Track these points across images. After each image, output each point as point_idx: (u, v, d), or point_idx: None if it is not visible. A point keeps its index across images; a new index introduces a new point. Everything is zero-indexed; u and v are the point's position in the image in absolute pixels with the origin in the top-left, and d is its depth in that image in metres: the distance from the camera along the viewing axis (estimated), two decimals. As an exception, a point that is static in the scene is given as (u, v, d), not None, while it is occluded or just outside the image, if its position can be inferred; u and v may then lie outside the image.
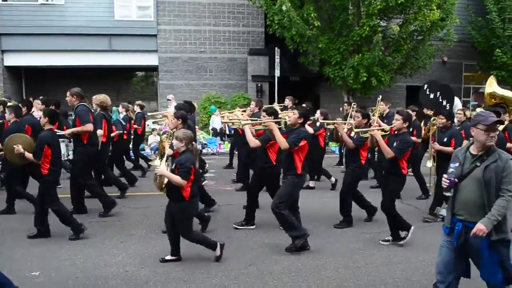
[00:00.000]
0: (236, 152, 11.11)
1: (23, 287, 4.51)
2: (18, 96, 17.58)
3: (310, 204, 7.89)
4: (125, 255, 5.43)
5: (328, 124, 8.17)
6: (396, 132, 5.83)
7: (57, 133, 7.10)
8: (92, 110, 7.34)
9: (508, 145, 7.06)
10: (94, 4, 17.60)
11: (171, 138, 6.08)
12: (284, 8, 14.11)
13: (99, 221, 6.92)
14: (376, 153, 9.35)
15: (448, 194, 3.60)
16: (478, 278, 3.64)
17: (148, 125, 12.50)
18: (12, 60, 17.84)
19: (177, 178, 4.86)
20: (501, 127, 7.13)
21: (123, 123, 9.71)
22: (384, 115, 9.53)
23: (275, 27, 15.39)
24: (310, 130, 8.78)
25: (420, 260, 5.40)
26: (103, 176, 8.45)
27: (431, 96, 8.02)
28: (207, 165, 10.96)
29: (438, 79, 18.53)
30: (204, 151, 15.65)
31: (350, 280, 4.81)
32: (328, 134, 11.18)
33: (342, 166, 10.62)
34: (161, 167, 5.23)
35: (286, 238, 5.90)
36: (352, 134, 6.69)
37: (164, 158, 5.60)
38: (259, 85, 18.49)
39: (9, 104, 8.65)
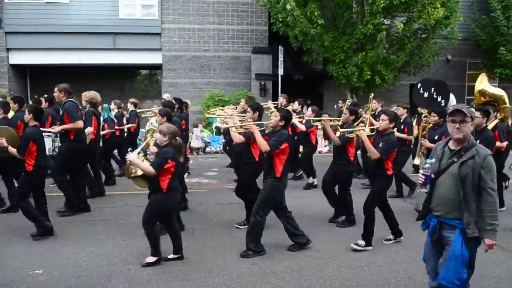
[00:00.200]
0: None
1: (26, 285, 4.56)
2: (23, 94, 17.68)
3: (311, 203, 7.91)
4: (127, 254, 5.46)
5: (314, 121, 8.14)
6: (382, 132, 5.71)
7: (46, 130, 7.19)
8: (80, 107, 7.27)
9: (498, 144, 7.01)
10: (98, 3, 17.67)
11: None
12: (288, 7, 14.09)
13: (102, 219, 6.95)
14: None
15: (424, 190, 3.53)
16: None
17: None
18: (17, 58, 17.93)
19: (145, 165, 4.93)
20: (490, 126, 7.10)
21: (115, 120, 9.66)
22: (376, 114, 9.56)
23: (279, 25, 15.38)
24: (302, 127, 8.81)
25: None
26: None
27: (425, 94, 7.96)
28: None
29: (442, 78, 18.48)
30: (208, 149, 15.70)
31: (352, 280, 4.81)
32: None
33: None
34: (132, 154, 5.25)
35: (286, 238, 5.91)
36: (338, 134, 6.62)
37: (138, 149, 5.57)
38: (262, 83, 18.50)
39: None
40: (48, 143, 7.62)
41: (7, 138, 6.03)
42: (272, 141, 5.38)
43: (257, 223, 5.42)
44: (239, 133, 6.24)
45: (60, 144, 7.46)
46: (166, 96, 11.96)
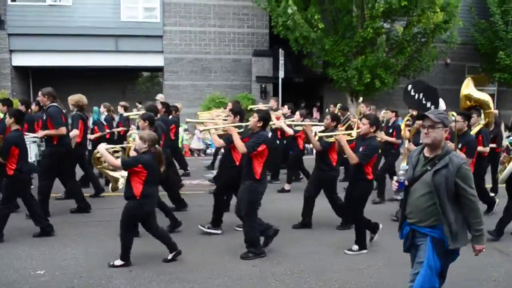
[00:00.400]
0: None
1: (28, 286, 4.62)
2: (26, 96, 17.76)
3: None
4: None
5: (296, 126, 8.14)
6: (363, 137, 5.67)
7: (31, 134, 7.23)
8: (64, 111, 7.26)
9: (482, 149, 6.99)
10: (100, 5, 17.73)
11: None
12: (289, 11, 14.16)
13: (103, 220, 7.00)
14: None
15: (398, 197, 3.60)
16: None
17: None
18: (20, 60, 17.99)
19: (112, 158, 5.05)
20: (474, 130, 7.08)
21: (105, 123, 9.63)
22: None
23: (280, 28, 15.46)
24: (290, 131, 8.84)
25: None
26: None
27: (416, 96, 7.91)
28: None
29: (441, 81, 18.60)
30: (208, 151, 15.75)
31: (352, 282, 4.85)
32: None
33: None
34: (103, 145, 5.34)
35: (289, 239, 5.98)
36: (316, 138, 6.58)
37: (109, 146, 5.65)
38: (263, 86, 18.56)
39: None
40: (34, 149, 7.67)
41: None
42: (249, 142, 5.34)
43: (250, 228, 5.46)
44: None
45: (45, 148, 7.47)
46: (159, 97, 12.00)
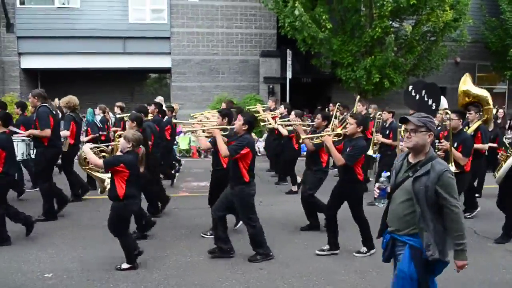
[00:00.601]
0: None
1: (36, 289, 4.62)
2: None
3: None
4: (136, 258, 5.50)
5: (287, 125, 8.03)
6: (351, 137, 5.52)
7: (19, 133, 7.25)
8: (54, 112, 7.24)
9: (480, 146, 6.85)
10: (108, 8, 17.83)
11: None
12: (296, 12, 14.10)
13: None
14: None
15: (379, 205, 3.38)
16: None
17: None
18: (28, 62, 18.14)
19: (95, 157, 5.06)
20: (473, 127, 6.90)
21: (99, 125, 9.60)
22: None
23: (287, 29, 15.41)
24: (284, 132, 8.78)
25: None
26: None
27: (417, 97, 7.80)
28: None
29: (451, 80, 18.42)
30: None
31: (361, 285, 4.80)
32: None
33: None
34: (88, 145, 5.38)
35: (296, 241, 5.92)
36: (300, 140, 6.49)
37: (94, 145, 5.66)
38: (271, 86, 18.53)
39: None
40: (21, 147, 7.70)
41: None
42: (232, 146, 5.28)
43: (254, 231, 5.42)
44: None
45: (34, 148, 7.50)
46: (158, 99, 12.00)
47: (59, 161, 8.14)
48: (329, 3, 15.24)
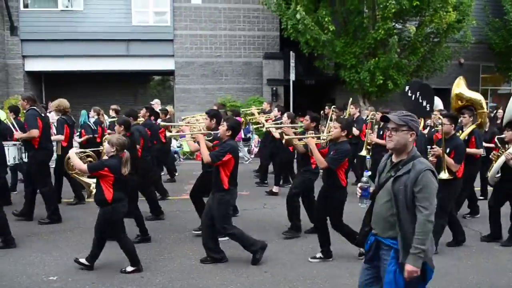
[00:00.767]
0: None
1: (41, 292, 4.63)
2: (38, 100, 17.86)
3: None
4: (141, 261, 5.46)
5: (277, 128, 7.91)
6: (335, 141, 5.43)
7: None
8: (43, 115, 7.27)
9: (475, 151, 6.74)
10: (112, 10, 17.86)
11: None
12: (298, 16, 14.11)
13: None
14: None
15: (362, 205, 3.29)
16: None
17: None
18: (32, 65, 18.18)
19: (78, 162, 5.06)
20: (464, 134, 6.78)
21: (93, 127, 9.58)
22: (354, 119, 9.49)
23: (290, 31, 15.41)
24: (277, 134, 8.72)
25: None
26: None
27: (413, 97, 7.74)
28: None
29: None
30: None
31: (365, 288, 4.78)
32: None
33: None
34: (73, 149, 5.43)
35: (301, 245, 5.91)
36: (283, 141, 6.42)
37: (80, 150, 5.72)
38: (274, 88, 18.51)
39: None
40: (12, 152, 7.75)
41: None
42: (214, 152, 5.26)
43: (234, 236, 5.40)
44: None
45: (25, 152, 7.52)
46: (155, 102, 12.01)
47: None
48: (331, 5, 15.23)
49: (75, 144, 9.07)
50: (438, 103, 8.54)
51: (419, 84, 8.27)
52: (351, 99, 7.63)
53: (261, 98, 18.10)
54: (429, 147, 6.06)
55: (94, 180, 5.23)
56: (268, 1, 16.36)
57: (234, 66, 18.93)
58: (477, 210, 7.75)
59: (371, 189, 3.26)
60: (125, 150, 5.10)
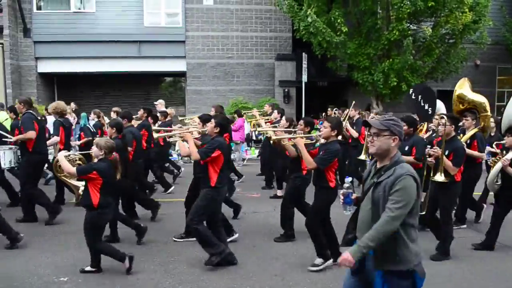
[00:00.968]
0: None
1: (51, 293, 4.60)
2: (51, 102, 17.99)
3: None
4: (150, 263, 5.45)
5: (268, 131, 7.77)
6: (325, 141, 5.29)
7: (5, 135, 7.28)
8: (39, 118, 7.24)
9: (477, 154, 6.53)
10: (124, 12, 17.97)
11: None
12: (309, 19, 14.03)
13: (122, 226, 6.95)
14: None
15: (347, 212, 3.17)
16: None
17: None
18: (45, 67, 18.37)
19: (66, 165, 5.00)
20: (465, 137, 6.59)
21: (92, 129, 9.56)
22: (353, 121, 9.38)
23: (302, 32, 15.32)
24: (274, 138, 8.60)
25: (438, 269, 5.22)
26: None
27: (416, 101, 7.56)
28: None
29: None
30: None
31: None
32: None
33: None
34: (62, 152, 5.34)
35: (311, 247, 5.79)
36: (271, 142, 6.26)
37: (70, 153, 5.66)
38: (286, 90, 18.45)
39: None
40: (8, 155, 7.72)
41: None
42: (203, 149, 5.23)
43: (196, 232, 5.24)
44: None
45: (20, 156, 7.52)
46: (158, 102, 11.96)
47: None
48: (345, 6, 15.13)
49: (73, 146, 9.10)
50: (440, 106, 8.38)
51: (422, 87, 8.12)
52: (354, 102, 7.55)
53: (273, 99, 18.04)
54: (428, 146, 5.89)
55: (83, 183, 5.17)
56: (280, 2, 16.30)
57: (246, 67, 18.90)
58: (464, 220, 7.19)
59: (354, 195, 3.14)
60: (113, 153, 5.04)
